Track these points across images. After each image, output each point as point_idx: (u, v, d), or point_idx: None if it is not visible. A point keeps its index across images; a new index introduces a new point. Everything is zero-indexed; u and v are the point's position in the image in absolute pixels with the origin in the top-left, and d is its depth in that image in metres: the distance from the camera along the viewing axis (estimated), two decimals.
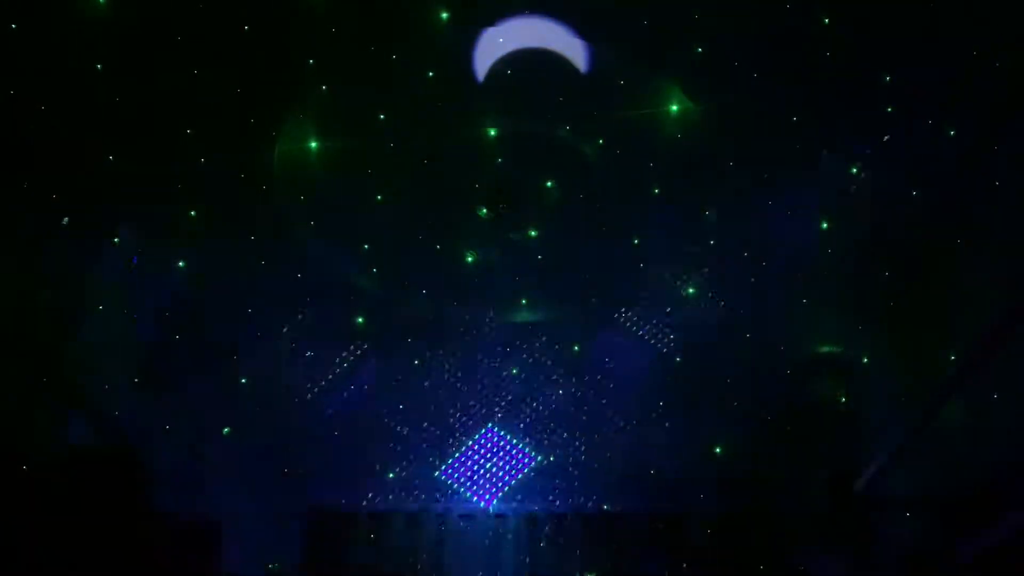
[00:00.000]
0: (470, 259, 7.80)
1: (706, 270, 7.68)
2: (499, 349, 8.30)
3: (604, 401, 8.12)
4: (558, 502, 8.34)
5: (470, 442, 8.52)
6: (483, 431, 8.53)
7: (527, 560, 8.04)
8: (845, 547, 6.84)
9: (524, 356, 8.33)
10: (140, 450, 6.75)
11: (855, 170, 6.60)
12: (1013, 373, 5.58)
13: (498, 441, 8.53)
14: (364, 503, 8.31)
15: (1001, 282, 5.71)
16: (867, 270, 7.04)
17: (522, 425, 8.47)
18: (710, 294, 7.75)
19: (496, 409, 8.40)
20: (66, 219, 6.56)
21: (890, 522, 7.04)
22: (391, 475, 8.37)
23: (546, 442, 8.39)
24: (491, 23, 6.64)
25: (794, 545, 7.45)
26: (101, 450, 6.80)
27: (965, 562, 5.96)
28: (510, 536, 8.22)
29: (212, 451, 7.69)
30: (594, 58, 6.62)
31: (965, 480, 6.11)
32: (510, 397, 8.37)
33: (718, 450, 7.98)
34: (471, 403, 8.41)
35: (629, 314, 8.15)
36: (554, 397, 8.29)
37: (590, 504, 8.26)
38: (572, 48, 6.67)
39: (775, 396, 7.70)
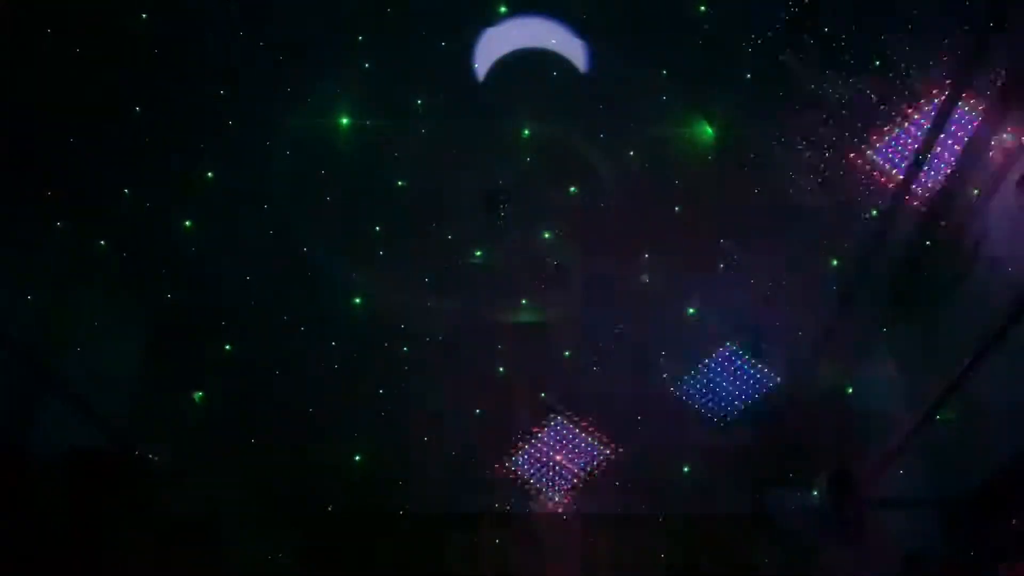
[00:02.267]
0: (478, 254, 7.78)
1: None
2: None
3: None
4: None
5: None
6: None
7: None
8: (845, 547, 7.21)
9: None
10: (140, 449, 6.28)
11: (874, 213, 6.98)
12: (1013, 373, 5.88)
13: None
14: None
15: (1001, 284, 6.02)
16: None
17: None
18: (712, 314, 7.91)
19: None
20: None
21: (890, 522, 7.26)
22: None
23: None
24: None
25: (794, 545, 7.69)
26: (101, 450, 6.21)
27: (966, 562, 6.24)
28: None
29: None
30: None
31: (965, 480, 6.37)
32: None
33: (686, 469, 8.26)
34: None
35: (624, 327, 8.28)
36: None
37: (591, 504, 8.30)
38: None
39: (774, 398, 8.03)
